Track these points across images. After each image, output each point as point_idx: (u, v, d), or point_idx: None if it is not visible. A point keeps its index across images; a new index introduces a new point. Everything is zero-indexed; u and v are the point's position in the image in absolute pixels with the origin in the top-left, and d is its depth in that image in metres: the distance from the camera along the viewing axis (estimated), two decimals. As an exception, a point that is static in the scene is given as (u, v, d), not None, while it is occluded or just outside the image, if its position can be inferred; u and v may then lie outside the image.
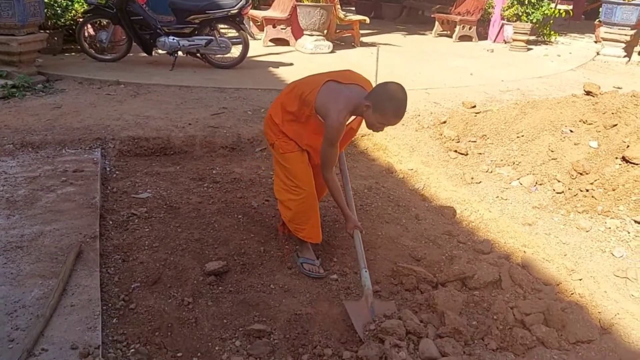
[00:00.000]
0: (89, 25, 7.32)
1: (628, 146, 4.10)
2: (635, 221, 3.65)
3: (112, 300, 2.60)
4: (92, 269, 2.65)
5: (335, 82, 2.75)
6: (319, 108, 2.70)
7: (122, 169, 4.21)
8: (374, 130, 2.78)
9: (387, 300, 2.81)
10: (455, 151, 4.98)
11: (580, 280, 3.07)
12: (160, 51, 7.23)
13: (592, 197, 3.94)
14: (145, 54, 7.27)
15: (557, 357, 2.44)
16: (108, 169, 4.19)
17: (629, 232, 3.61)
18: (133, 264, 2.91)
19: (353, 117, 2.80)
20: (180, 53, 7.07)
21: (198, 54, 7.16)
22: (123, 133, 4.62)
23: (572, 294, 2.94)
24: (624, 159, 4.03)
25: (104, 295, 2.60)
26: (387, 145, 5.12)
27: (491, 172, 4.63)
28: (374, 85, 2.83)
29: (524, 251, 3.36)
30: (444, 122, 5.48)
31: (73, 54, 7.54)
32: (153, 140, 4.61)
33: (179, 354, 2.35)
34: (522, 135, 4.92)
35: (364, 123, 2.87)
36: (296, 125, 2.86)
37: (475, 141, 5.11)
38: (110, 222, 3.34)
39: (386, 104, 2.56)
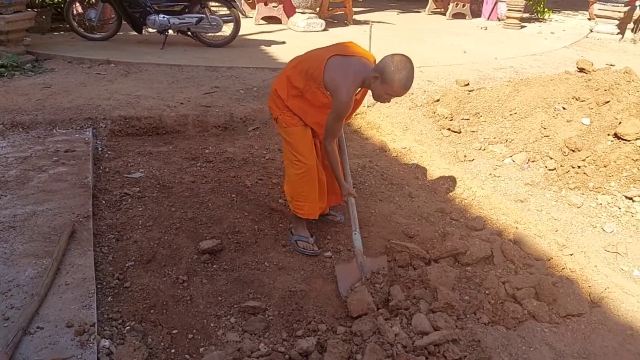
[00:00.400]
0: (78, 4, 7.19)
1: (620, 123, 4.11)
2: (626, 197, 3.69)
3: (106, 279, 2.61)
4: (86, 249, 2.65)
5: (340, 56, 2.74)
6: (327, 83, 2.70)
7: (114, 149, 4.19)
8: (380, 102, 2.79)
9: (378, 255, 2.88)
10: (449, 129, 4.98)
11: (571, 255, 3.11)
12: (150, 30, 7.13)
13: (584, 173, 3.96)
14: (135, 33, 7.17)
15: (547, 331, 2.48)
16: (100, 148, 4.16)
17: (619, 208, 3.64)
18: (127, 243, 2.92)
19: (359, 89, 2.80)
20: (170, 31, 6.97)
21: (189, 33, 7.06)
22: (114, 112, 4.58)
23: (563, 268, 2.98)
24: (615, 135, 4.05)
25: (99, 274, 2.61)
26: (380, 124, 5.11)
27: (484, 149, 4.64)
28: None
29: (516, 227, 3.39)
30: (437, 100, 5.47)
31: (62, 32, 7.43)
32: (145, 119, 4.57)
33: (174, 331, 2.37)
34: (515, 113, 4.92)
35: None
36: (301, 101, 2.85)
37: (468, 119, 5.11)
38: (103, 202, 3.33)
39: (394, 75, 2.57)
